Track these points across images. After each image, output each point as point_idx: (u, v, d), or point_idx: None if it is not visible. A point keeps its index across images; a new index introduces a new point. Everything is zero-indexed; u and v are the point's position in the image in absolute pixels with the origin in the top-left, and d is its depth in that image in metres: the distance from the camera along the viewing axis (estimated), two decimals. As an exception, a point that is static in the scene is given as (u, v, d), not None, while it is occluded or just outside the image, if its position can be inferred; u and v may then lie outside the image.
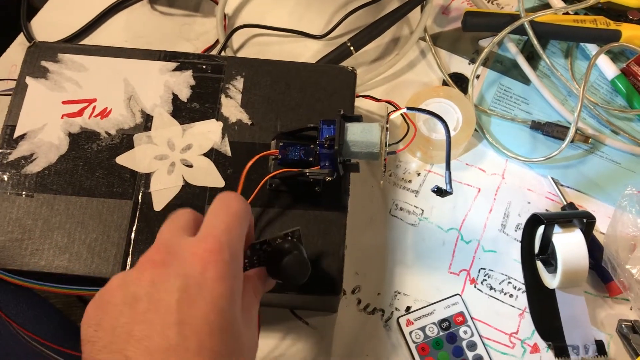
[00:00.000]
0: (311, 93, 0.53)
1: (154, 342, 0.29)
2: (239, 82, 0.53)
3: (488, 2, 0.69)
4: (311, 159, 0.46)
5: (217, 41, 0.65)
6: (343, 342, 0.53)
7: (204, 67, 0.54)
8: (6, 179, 0.49)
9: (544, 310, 0.53)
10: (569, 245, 0.49)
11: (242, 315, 0.33)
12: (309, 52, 0.66)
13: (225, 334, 0.31)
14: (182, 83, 0.53)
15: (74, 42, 0.65)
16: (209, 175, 0.50)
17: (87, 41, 0.66)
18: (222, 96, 0.52)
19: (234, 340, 0.31)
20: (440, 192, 0.45)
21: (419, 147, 0.59)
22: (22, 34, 0.66)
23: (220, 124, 0.51)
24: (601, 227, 0.57)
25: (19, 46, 0.65)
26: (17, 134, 0.50)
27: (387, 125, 0.44)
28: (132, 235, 0.48)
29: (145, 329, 0.30)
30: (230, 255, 0.33)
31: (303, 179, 0.46)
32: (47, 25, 0.67)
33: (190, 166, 0.50)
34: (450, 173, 0.45)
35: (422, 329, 0.53)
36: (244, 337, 0.33)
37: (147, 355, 0.29)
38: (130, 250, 0.47)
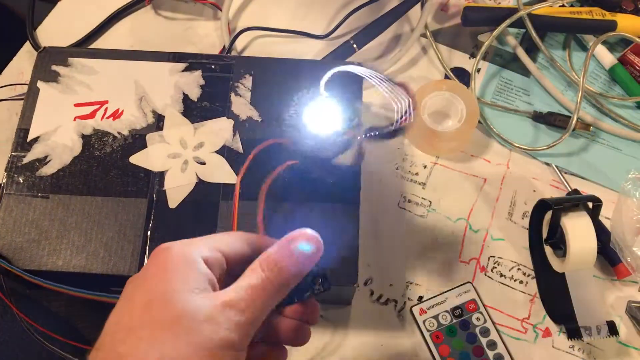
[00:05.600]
0: (319, 89, 0.54)
1: None
2: (248, 81, 0.54)
3: (485, -2, 0.71)
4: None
5: (223, 46, 0.66)
6: (358, 334, 0.54)
7: (213, 67, 0.55)
8: (21, 181, 0.49)
9: (554, 294, 0.54)
10: (578, 228, 0.50)
11: None
12: (312, 52, 0.67)
13: None
14: (192, 83, 0.54)
15: (83, 47, 0.66)
16: (221, 172, 0.50)
17: (94, 47, 0.67)
18: (232, 94, 0.53)
19: None
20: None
21: (424, 139, 0.60)
22: (28, 42, 0.66)
23: (231, 122, 0.52)
24: (606, 212, 0.58)
25: (25, 54, 0.66)
26: (30, 137, 0.51)
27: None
28: (148, 233, 0.48)
29: None
30: None
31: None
32: (53, 33, 0.68)
33: (203, 163, 0.51)
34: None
35: (436, 317, 0.54)
36: None
37: None
38: (147, 248, 0.48)
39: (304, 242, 0.34)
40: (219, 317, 0.30)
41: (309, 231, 0.34)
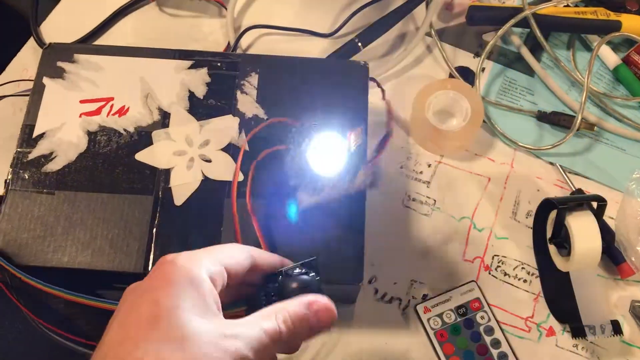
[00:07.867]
0: (325, 87, 0.54)
1: None
2: (254, 79, 0.54)
3: (490, -3, 0.71)
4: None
5: (228, 44, 0.66)
6: (362, 332, 0.54)
7: (218, 64, 0.54)
8: (27, 177, 0.49)
9: (558, 293, 0.54)
10: (582, 227, 0.50)
11: None
12: (316, 50, 0.67)
13: None
14: (198, 80, 0.54)
15: (88, 43, 0.66)
16: (227, 170, 0.50)
17: (97, 43, 0.67)
18: (238, 92, 0.53)
19: None
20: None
21: (429, 138, 0.60)
22: (32, 38, 0.66)
23: (237, 120, 0.52)
24: (610, 212, 0.58)
25: (29, 50, 0.66)
26: (36, 133, 0.51)
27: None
28: (154, 230, 0.48)
29: None
30: None
31: None
32: (57, 29, 0.68)
33: (209, 161, 0.51)
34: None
35: (440, 315, 0.54)
36: None
37: None
38: (152, 245, 0.48)
39: (322, 312, 0.35)
40: (226, 346, 0.30)
41: (328, 303, 0.36)
